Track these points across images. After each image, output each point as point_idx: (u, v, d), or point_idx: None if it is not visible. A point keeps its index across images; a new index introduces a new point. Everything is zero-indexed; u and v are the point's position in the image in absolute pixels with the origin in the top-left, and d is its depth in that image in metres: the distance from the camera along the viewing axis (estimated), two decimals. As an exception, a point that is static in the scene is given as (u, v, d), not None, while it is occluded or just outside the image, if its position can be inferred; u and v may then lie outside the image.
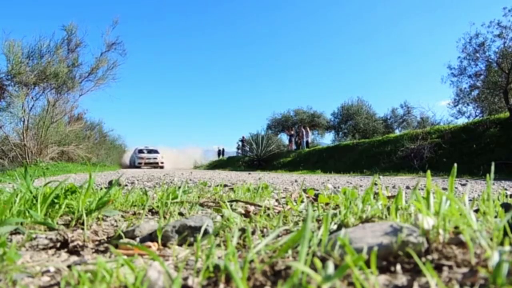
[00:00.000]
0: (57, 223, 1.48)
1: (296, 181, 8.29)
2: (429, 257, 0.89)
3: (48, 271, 0.93)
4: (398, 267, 0.85)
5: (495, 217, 1.05)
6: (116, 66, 18.47)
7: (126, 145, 41.58)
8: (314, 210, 1.65)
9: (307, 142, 28.08)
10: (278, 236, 1.29)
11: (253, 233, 1.37)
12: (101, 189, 2.37)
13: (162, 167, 33.81)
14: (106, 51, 18.33)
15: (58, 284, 0.85)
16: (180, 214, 1.86)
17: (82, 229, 1.37)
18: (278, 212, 1.78)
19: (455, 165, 1.11)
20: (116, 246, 1.15)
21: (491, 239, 0.89)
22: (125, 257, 0.92)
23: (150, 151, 35.70)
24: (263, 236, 1.31)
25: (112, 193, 1.88)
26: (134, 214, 1.86)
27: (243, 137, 33.43)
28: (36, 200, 1.49)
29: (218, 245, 1.18)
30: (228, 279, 0.79)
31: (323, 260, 0.86)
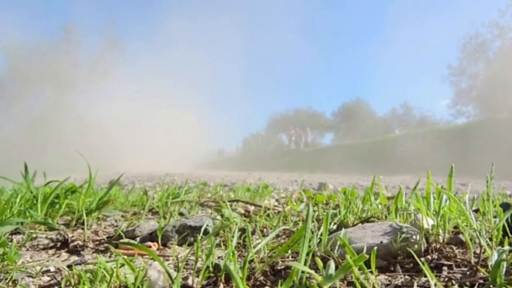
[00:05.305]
0: (57, 223, 1.48)
1: (296, 181, 8.29)
2: (429, 257, 0.89)
3: (48, 270, 0.94)
4: (398, 266, 0.85)
5: (495, 217, 1.05)
6: (114, 65, 18.43)
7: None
8: (314, 210, 1.65)
9: (306, 142, 28.09)
10: (278, 236, 1.29)
11: (253, 233, 1.37)
12: (101, 189, 2.37)
13: None
14: (105, 49, 18.29)
15: (58, 283, 0.85)
16: (180, 214, 1.86)
17: (83, 229, 1.37)
18: (278, 212, 1.78)
19: (453, 165, 1.11)
20: (116, 246, 1.15)
21: (491, 239, 0.89)
22: (125, 257, 0.92)
23: None
24: (263, 235, 1.32)
25: (112, 193, 1.88)
26: (134, 214, 1.86)
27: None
28: (37, 200, 1.50)
29: (218, 245, 1.18)
30: (228, 279, 0.79)
31: (323, 260, 0.87)
